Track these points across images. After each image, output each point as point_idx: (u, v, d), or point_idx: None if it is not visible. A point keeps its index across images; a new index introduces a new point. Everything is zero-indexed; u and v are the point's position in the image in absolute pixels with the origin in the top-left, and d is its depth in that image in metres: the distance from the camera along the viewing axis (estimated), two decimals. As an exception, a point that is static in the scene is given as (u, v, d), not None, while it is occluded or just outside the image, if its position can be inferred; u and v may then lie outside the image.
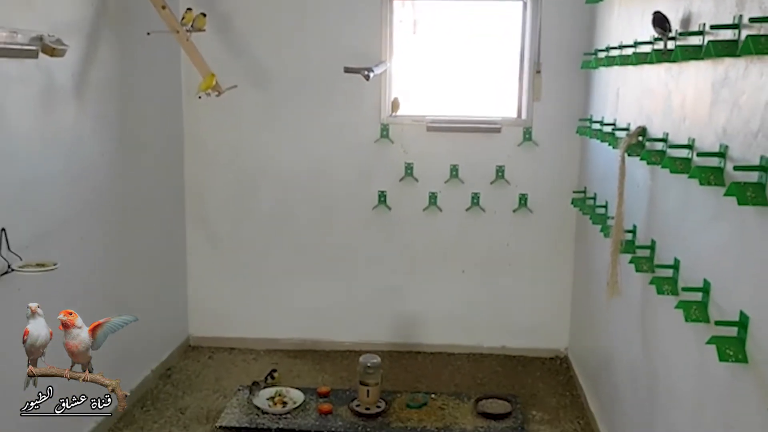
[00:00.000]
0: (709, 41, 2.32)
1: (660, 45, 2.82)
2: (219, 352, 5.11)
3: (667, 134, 2.86)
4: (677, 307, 2.49)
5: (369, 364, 4.04)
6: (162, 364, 4.73)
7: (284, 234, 5.09)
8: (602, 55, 3.95)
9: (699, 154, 2.47)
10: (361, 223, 5.04)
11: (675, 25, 2.73)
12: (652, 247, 3.04)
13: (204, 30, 4.24)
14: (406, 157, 4.92)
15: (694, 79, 2.62)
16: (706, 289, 2.42)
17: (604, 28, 4.19)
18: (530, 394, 4.54)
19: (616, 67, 3.75)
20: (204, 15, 4.18)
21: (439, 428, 3.92)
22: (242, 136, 5.00)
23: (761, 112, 2.03)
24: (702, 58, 2.44)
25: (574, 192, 4.68)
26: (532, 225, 4.95)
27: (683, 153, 2.61)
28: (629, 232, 3.29)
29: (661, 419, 2.90)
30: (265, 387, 4.23)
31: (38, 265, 3.05)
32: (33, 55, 2.95)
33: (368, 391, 4.05)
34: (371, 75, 4.43)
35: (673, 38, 2.73)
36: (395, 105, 4.82)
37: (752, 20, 2.06)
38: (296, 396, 4.17)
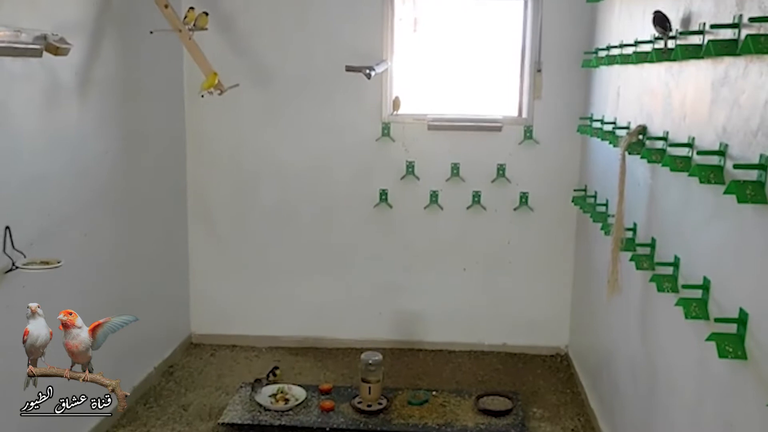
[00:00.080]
0: (709, 40, 2.34)
1: (660, 44, 2.83)
2: (221, 350, 5.13)
3: (668, 133, 2.88)
4: (677, 304, 2.51)
5: (371, 362, 4.05)
6: (165, 362, 4.75)
7: (286, 232, 5.10)
8: (603, 53, 3.96)
9: (699, 153, 2.49)
10: (363, 221, 5.06)
11: (675, 25, 2.74)
12: (652, 244, 3.05)
13: (206, 29, 4.25)
14: (407, 155, 4.93)
15: (695, 78, 2.63)
16: (705, 286, 2.44)
17: (604, 26, 4.20)
18: (531, 391, 4.56)
19: (616, 66, 3.76)
20: (206, 14, 4.19)
21: (440, 425, 3.94)
22: (244, 134, 5.02)
23: (761, 111, 2.05)
24: (702, 57, 2.46)
25: (574, 190, 4.69)
26: (532, 223, 4.97)
27: (683, 151, 2.63)
28: (630, 230, 3.30)
29: (661, 416, 2.92)
30: (267, 384, 4.25)
31: (42, 262, 3.07)
32: (37, 54, 2.96)
33: (370, 388, 4.07)
34: (372, 74, 4.44)
35: (673, 37, 2.74)
36: (396, 104, 4.83)
37: (752, 20, 2.08)
38: (298, 393, 4.18)
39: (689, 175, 2.43)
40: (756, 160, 2.05)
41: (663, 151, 2.85)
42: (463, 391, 4.35)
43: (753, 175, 2.05)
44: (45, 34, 3.02)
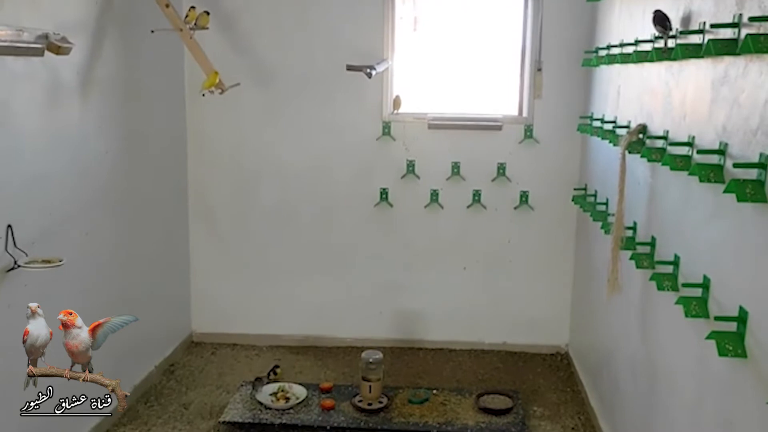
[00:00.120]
0: (709, 40, 2.35)
1: (660, 43, 2.84)
2: (222, 348, 5.14)
3: (668, 132, 2.89)
4: (677, 302, 2.51)
5: (371, 360, 4.06)
6: (165, 360, 4.76)
7: (287, 231, 5.11)
8: (603, 53, 3.97)
9: (699, 152, 2.49)
10: (363, 220, 5.06)
11: (675, 24, 2.75)
12: (652, 243, 3.06)
13: (207, 28, 4.25)
14: (408, 154, 4.94)
15: (695, 77, 2.64)
16: (705, 284, 2.44)
17: (605, 26, 4.21)
18: (531, 389, 4.57)
19: (616, 65, 3.77)
20: (207, 13, 4.20)
21: (440, 423, 3.95)
22: (245, 133, 5.03)
23: (760, 110, 2.06)
24: (702, 57, 2.46)
25: (574, 189, 4.70)
26: (533, 222, 4.98)
27: (683, 150, 2.64)
28: (630, 228, 3.31)
29: (661, 414, 2.93)
30: (267, 383, 4.26)
31: (44, 261, 3.08)
32: (39, 53, 2.98)
33: (370, 386, 4.08)
34: (373, 73, 4.45)
35: (673, 36, 2.75)
36: (397, 103, 4.84)
37: (752, 19, 2.08)
38: (299, 392, 4.19)
39: (689, 174, 2.44)
40: (756, 159, 2.06)
41: (663, 150, 2.86)
42: (463, 390, 4.36)
43: (753, 173, 2.06)
44: (47, 33, 3.03)
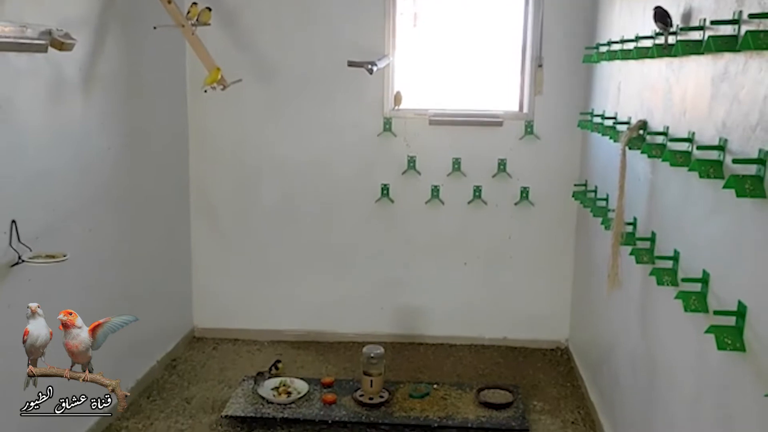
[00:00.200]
0: (709, 36, 2.36)
1: (661, 40, 2.85)
2: (223, 343, 5.16)
3: (668, 128, 2.90)
4: (677, 297, 2.53)
5: (372, 355, 4.09)
6: (167, 355, 4.78)
7: (288, 226, 5.13)
8: (604, 49, 3.97)
9: (699, 148, 2.51)
10: (364, 215, 5.08)
11: (676, 20, 2.76)
12: (652, 239, 3.08)
13: (209, 24, 4.27)
14: (409, 150, 4.95)
15: (695, 74, 2.65)
16: (705, 279, 2.46)
17: (605, 22, 4.22)
18: (531, 384, 4.59)
19: (617, 62, 3.78)
20: (209, 9, 4.21)
21: (441, 418, 3.97)
22: (246, 129, 5.04)
23: (760, 106, 2.07)
24: (702, 53, 2.47)
25: (575, 185, 4.72)
26: (533, 218, 4.99)
27: (683, 146, 2.65)
28: (630, 224, 3.33)
29: (661, 408, 2.95)
30: (269, 377, 4.29)
31: (48, 256, 3.10)
32: (42, 49, 2.98)
33: (371, 381, 4.10)
34: (374, 69, 4.45)
35: (674, 33, 2.76)
36: (398, 99, 4.85)
37: (751, 16, 2.09)
38: (300, 386, 4.22)
39: (689, 169, 2.46)
40: (755, 155, 2.07)
41: (663, 146, 2.87)
42: (464, 385, 4.38)
43: (752, 169, 2.08)
44: (50, 29, 3.03)
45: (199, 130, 5.03)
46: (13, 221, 3.02)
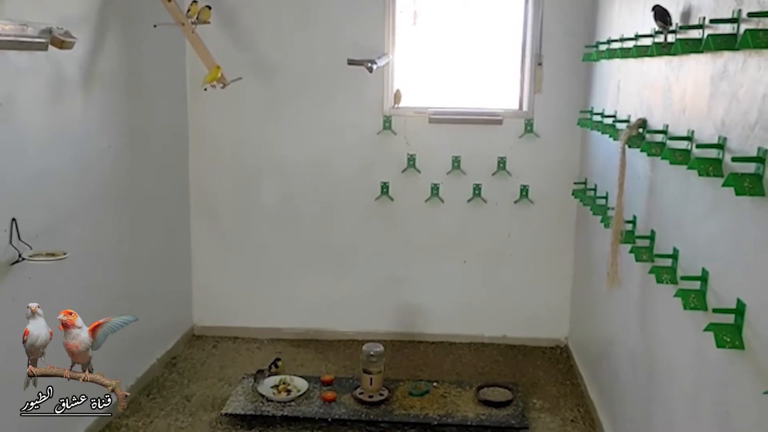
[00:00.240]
0: (708, 35, 2.36)
1: (660, 38, 2.86)
2: (223, 342, 5.17)
3: (667, 126, 2.91)
4: (676, 295, 2.54)
5: (372, 353, 4.09)
6: (167, 353, 4.79)
7: (288, 225, 5.13)
8: (603, 47, 3.98)
9: (698, 146, 2.51)
10: (364, 214, 5.08)
11: (675, 19, 2.77)
12: (651, 237, 3.08)
13: (209, 22, 4.27)
14: (409, 148, 4.96)
15: (694, 72, 2.66)
16: (704, 277, 2.47)
17: (605, 20, 4.22)
18: (531, 382, 4.60)
19: (617, 60, 3.78)
20: (209, 8, 4.21)
21: (441, 416, 3.98)
22: (246, 128, 5.04)
23: (759, 105, 2.07)
24: (702, 52, 2.48)
25: (574, 183, 4.72)
26: (533, 216, 5.00)
27: (683, 144, 2.66)
28: (629, 222, 3.33)
29: (660, 406, 2.96)
30: (269, 375, 4.29)
31: (48, 254, 3.10)
32: (43, 47, 2.97)
33: (371, 379, 4.11)
34: (374, 67, 4.45)
35: (673, 31, 2.76)
36: (397, 97, 4.85)
37: (751, 15, 2.10)
38: (300, 384, 4.22)
39: (688, 168, 2.46)
40: (754, 153, 2.08)
41: (663, 144, 2.88)
42: (463, 383, 4.39)
43: (751, 167, 2.08)
44: (50, 27, 3.03)
45: (199, 130, 5.03)
46: (14, 219, 3.03)
